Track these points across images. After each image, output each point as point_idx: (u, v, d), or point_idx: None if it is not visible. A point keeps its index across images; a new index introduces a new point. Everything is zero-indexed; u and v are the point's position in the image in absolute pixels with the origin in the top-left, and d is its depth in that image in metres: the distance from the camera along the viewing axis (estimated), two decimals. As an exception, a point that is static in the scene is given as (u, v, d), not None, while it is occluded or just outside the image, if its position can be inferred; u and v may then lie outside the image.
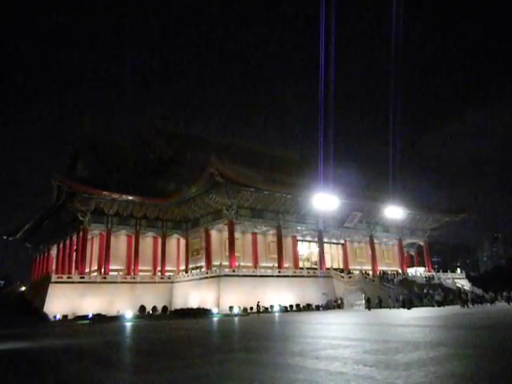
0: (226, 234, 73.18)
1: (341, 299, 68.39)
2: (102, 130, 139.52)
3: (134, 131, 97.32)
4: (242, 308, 59.56)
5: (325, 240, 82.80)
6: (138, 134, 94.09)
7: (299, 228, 79.78)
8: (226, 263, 69.71)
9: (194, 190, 69.05)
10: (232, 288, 61.98)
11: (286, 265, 76.03)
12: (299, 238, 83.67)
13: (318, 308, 64.67)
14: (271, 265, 73.73)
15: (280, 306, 62.64)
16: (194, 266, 77.35)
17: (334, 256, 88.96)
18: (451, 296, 67.25)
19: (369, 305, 59.23)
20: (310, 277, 71.43)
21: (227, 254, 71.13)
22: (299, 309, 64.08)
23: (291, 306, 64.04)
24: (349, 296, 68.32)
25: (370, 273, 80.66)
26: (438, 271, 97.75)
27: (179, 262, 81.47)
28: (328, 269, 77.57)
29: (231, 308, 58.82)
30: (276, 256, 74.86)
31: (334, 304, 67.31)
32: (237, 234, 73.82)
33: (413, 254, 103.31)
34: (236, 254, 70.99)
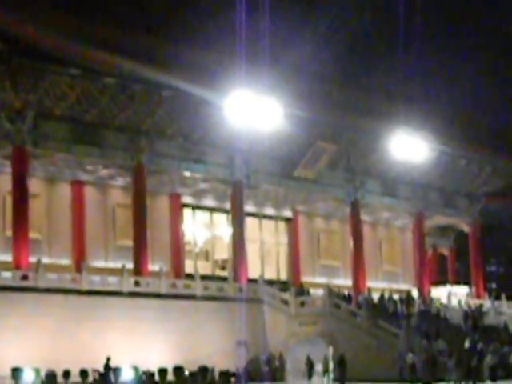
0: (6, 181, 35.04)
1: (280, 357, 36.78)
2: None
3: None
4: (43, 373, 28.74)
5: (248, 209, 43.33)
6: None
7: (188, 175, 40.67)
8: (6, 257, 34.13)
9: None
10: (20, 322, 30.34)
11: (154, 266, 38.27)
12: (188, 200, 43.11)
13: (228, 376, 33.07)
14: (117, 265, 36.57)
15: (137, 370, 31.61)
16: None
17: (267, 249, 47.26)
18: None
19: (343, 372, 32.91)
20: (210, 300, 37.07)
21: (10, 233, 34.73)
22: (181, 379, 31.66)
23: (163, 371, 31.41)
24: (298, 349, 36.67)
25: (344, 292, 43.26)
26: (498, 298, 52.14)
27: None
28: (253, 280, 40.78)
29: (16, 373, 28.67)
30: (131, 242, 37.65)
31: (264, 369, 36.36)
32: (36, 185, 36.41)
33: (445, 253, 62.83)
34: (33, 235, 34.87)
